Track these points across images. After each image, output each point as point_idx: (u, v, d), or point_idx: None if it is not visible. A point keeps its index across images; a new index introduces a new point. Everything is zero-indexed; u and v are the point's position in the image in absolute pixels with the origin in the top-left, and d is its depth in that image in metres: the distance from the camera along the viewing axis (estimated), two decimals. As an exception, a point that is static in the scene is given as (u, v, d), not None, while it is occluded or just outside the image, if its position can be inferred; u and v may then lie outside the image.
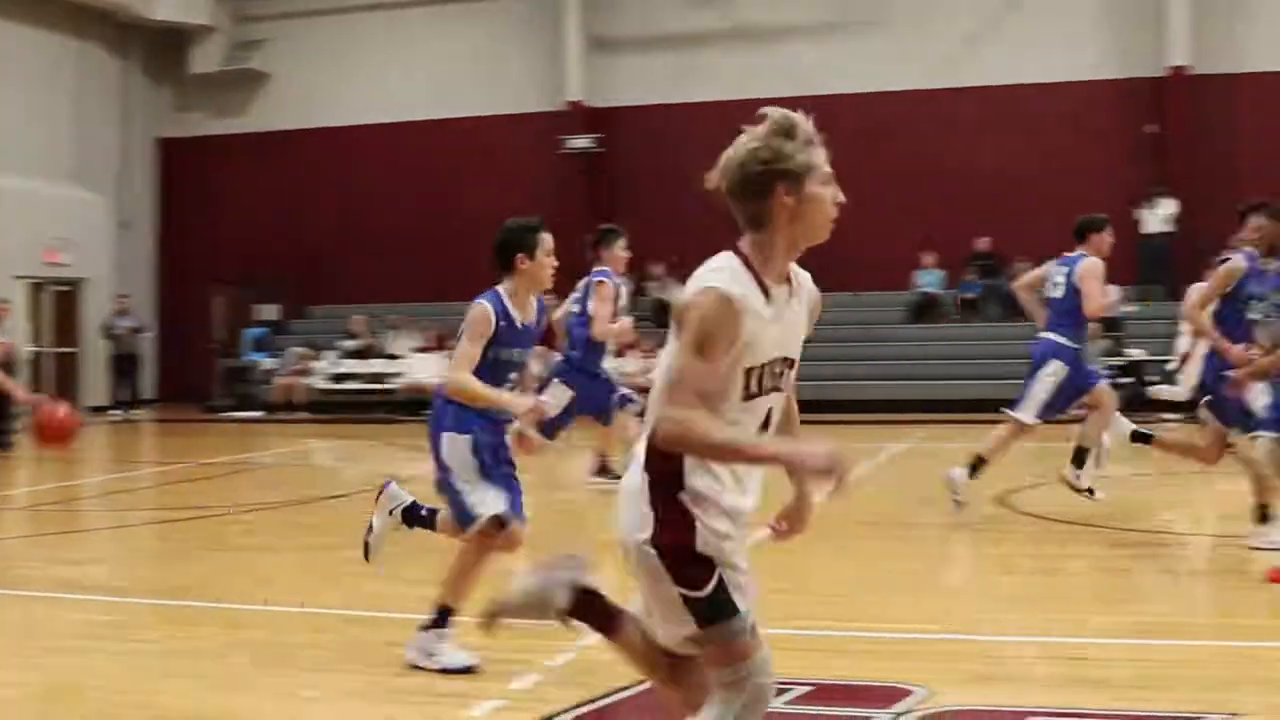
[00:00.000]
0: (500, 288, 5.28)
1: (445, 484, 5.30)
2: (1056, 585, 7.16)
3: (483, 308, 5.21)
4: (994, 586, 7.26)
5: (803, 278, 3.24)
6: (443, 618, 5.21)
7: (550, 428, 8.79)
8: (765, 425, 3.19)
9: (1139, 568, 7.58)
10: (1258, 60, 20.13)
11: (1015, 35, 20.57)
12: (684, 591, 3.11)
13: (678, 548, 3.12)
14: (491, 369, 5.22)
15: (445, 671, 5.14)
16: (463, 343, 5.22)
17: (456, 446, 5.25)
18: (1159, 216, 19.38)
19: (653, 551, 3.12)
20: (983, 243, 20.38)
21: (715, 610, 3.12)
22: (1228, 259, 7.68)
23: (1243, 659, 5.44)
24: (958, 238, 20.17)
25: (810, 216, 3.12)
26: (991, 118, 20.68)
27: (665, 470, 3.13)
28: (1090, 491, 8.68)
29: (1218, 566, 7.69)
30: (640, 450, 3.19)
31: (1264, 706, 4.69)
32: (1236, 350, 7.30)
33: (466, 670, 5.13)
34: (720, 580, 3.12)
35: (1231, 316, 7.44)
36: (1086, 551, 7.89)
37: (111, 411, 21.08)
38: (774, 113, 3.13)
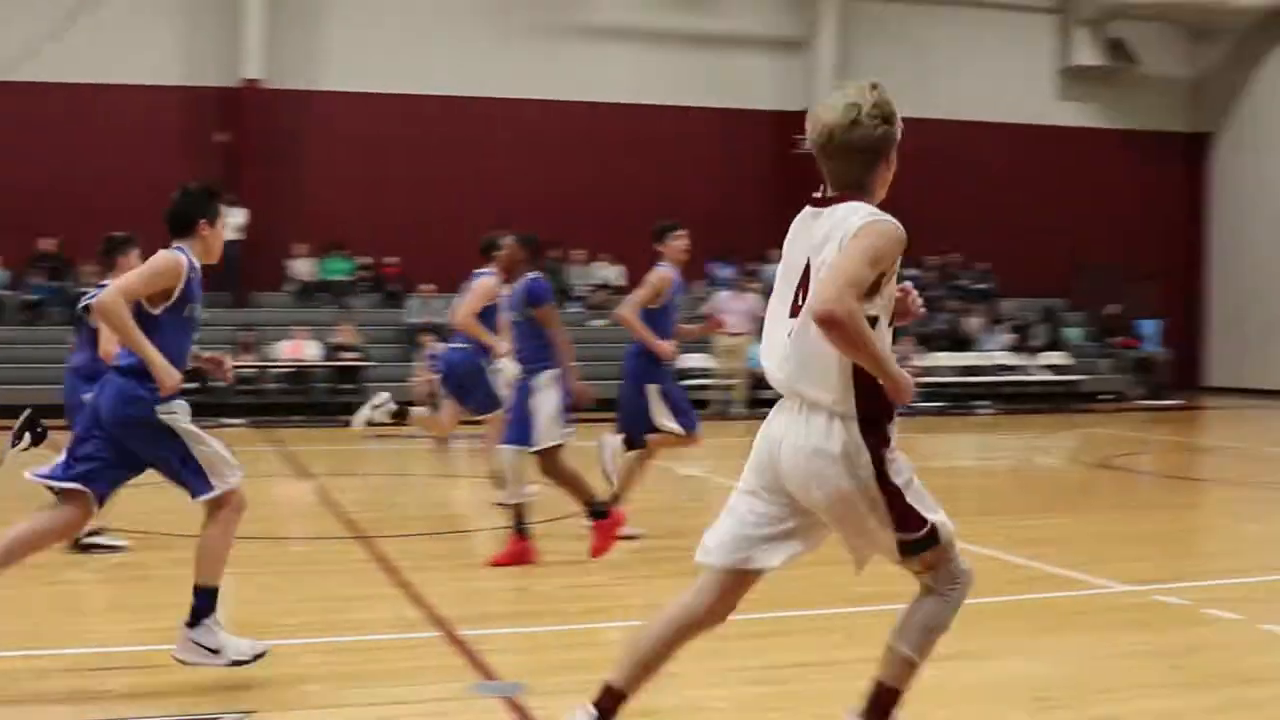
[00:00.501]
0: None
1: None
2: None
3: (175, 256, 4.89)
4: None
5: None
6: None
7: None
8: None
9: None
10: (328, 80, 21.29)
11: (92, 35, 19.90)
12: (901, 530, 3.63)
13: (894, 489, 3.61)
14: (183, 328, 4.92)
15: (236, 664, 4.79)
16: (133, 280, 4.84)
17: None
18: (229, 225, 19.60)
19: (877, 490, 3.59)
20: (48, 244, 19.37)
21: (933, 532, 3.66)
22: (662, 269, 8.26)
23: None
24: (22, 238, 19.06)
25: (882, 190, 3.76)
26: (68, 116, 19.87)
27: (874, 411, 3.58)
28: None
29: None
30: (838, 405, 3.57)
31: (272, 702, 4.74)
32: (665, 346, 8.10)
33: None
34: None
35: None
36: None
37: None
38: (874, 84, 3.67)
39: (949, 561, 3.74)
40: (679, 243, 8.29)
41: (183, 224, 5.01)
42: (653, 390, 8.13)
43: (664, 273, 8.22)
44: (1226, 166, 27.09)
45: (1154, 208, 26.38)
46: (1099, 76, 26.12)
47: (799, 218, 3.78)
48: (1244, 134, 26.63)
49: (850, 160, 3.67)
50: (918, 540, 3.66)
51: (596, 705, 3.79)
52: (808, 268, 3.64)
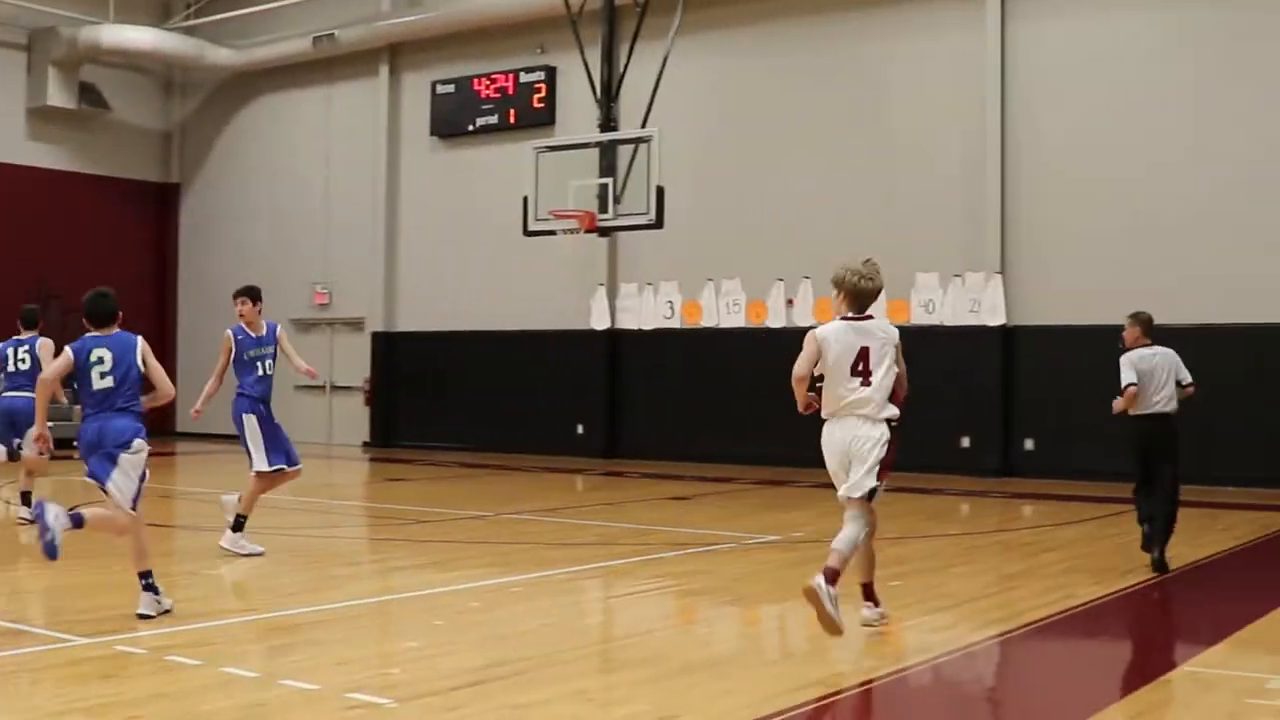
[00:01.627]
0: None
1: None
2: None
3: None
4: None
5: None
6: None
7: None
8: None
9: None
10: None
11: None
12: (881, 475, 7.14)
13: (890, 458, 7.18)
14: None
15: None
16: None
17: None
18: None
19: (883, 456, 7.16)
20: None
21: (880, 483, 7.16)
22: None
23: None
24: None
25: None
26: None
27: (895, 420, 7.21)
28: None
29: None
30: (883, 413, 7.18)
31: None
32: None
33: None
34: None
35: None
36: None
37: None
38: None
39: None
40: None
41: None
42: None
43: None
44: (195, 215, 28.01)
45: (127, 250, 26.52)
46: (71, 119, 25.73)
47: (845, 326, 7.18)
48: (210, 184, 27.77)
49: (871, 300, 7.27)
50: (877, 489, 7.14)
51: (862, 591, 7.51)
52: (864, 351, 7.12)
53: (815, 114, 20.15)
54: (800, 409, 7.28)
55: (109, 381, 7.44)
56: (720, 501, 15.28)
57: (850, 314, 7.18)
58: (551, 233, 17.23)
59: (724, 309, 20.88)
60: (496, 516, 13.62)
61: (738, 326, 20.70)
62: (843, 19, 20.04)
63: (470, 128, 23.67)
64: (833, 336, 7.12)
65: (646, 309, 21.59)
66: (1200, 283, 16.95)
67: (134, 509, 7.48)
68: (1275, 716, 5.55)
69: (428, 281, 24.45)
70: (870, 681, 6.20)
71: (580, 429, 21.84)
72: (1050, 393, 17.69)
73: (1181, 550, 10.73)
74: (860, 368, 7.09)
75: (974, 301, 18.60)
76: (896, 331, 7.28)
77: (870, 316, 7.24)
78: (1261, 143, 16.80)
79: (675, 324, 21.29)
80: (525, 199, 17.40)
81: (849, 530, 7.10)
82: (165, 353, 27.20)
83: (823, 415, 7.24)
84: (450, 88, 23.94)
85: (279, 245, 26.47)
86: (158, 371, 7.69)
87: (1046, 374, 17.81)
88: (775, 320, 20.32)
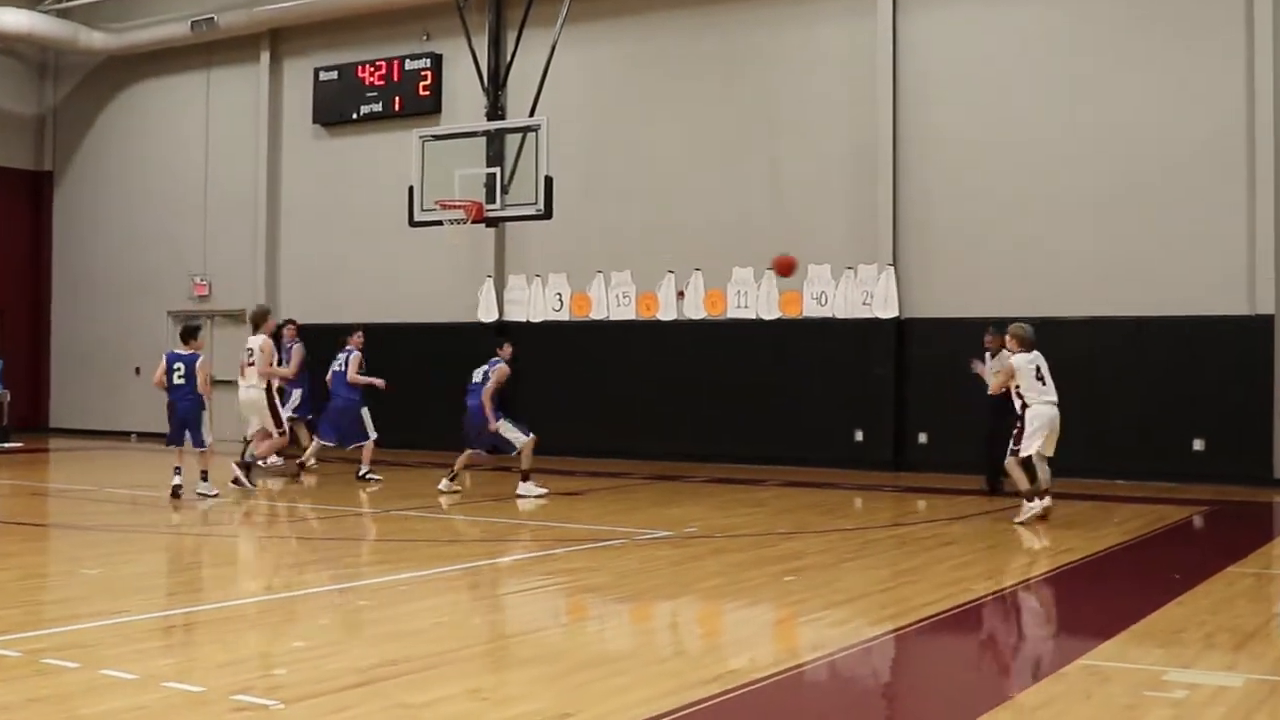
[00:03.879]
0: None
1: None
2: None
3: None
4: None
5: None
6: None
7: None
8: None
9: None
10: None
11: None
12: None
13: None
14: None
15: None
16: None
17: None
18: None
19: None
20: None
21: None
22: None
23: None
24: None
25: None
26: None
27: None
28: None
29: None
30: None
31: None
32: None
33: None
34: None
35: None
36: None
37: None
38: None
39: None
40: None
41: None
42: None
43: None
44: (69, 204, 27.17)
45: (-2, 244, 25.68)
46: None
47: (1035, 355, 12.37)
48: (86, 172, 26.95)
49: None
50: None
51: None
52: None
53: (706, 105, 20.15)
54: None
55: None
56: (611, 497, 15.19)
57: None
58: (438, 223, 16.97)
59: (614, 301, 20.79)
60: (384, 513, 13.39)
61: (628, 319, 20.62)
62: (733, 8, 20.05)
63: (354, 115, 23.27)
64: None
65: (535, 301, 21.42)
66: (1089, 275, 17.26)
67: None
68: (1172, 708, 5.59)
69: (311, 273, 24.00)
70: (765, 678, 6.14)
71: (468, 423, 21.61)
72: (943, 386, 17.88)
73: (1077, 544, 10.91)
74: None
75: (866, 294, 18.73)
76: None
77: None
78: (1150, 135, 17.12)
79: (564, 316, 21.15)
80: (410, 189, 17.12)
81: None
82: (39, 346, 26.36)
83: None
84: (333, 74, 23.51)
85: (157, 236, 25.78)
86: None
87: (939, 367, 17.99)
88: (666, 313, 20.28)
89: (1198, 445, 16.63)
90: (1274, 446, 16.32)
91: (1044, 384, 12.30)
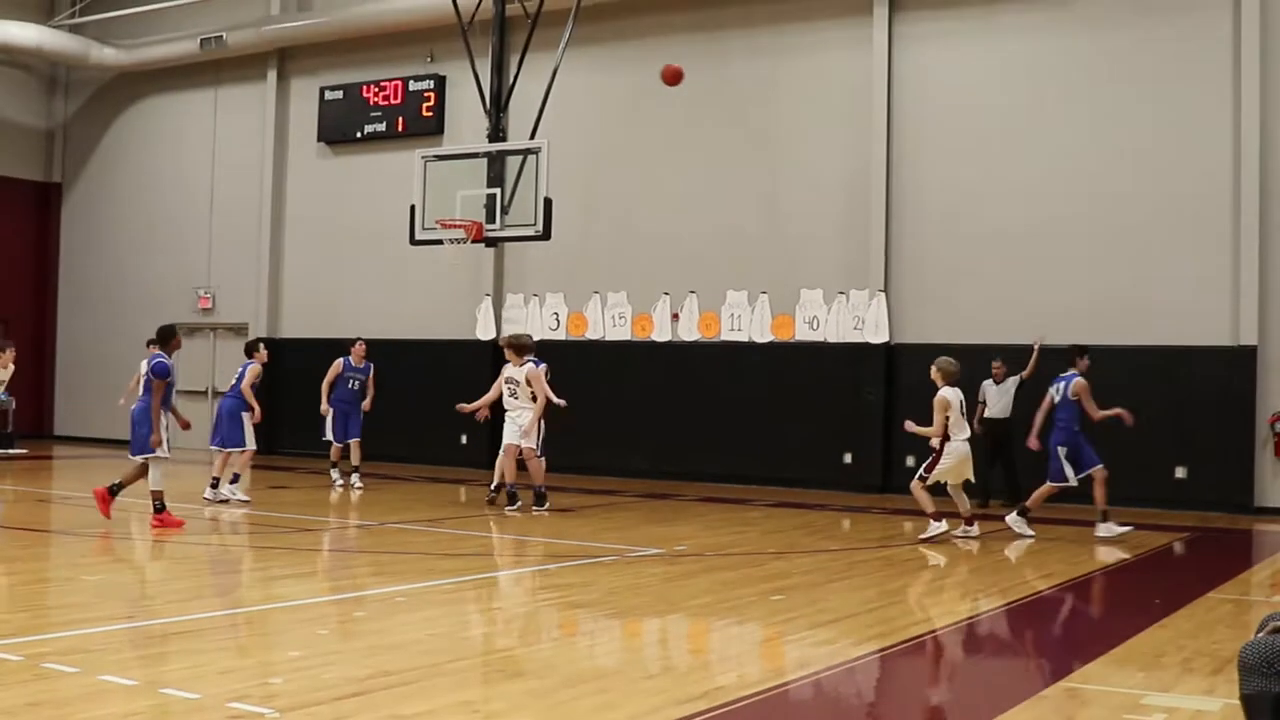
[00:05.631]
0: None
1: None
2: None
3: None
4: None
5: None
6: None
7: None
8: None
9: None
10: None
11: None
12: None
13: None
14: None
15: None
16: None
17: None
18: None
19: None
20: None
21: None
22: None
23: None
24: None
25: None
26: None
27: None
28: None
29: None
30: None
31: None
32: None
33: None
34: None
35: None
36: None
37: None
38: None
39: None
40: None
41: None
42: None
43: None
44: (77, 216, 27.40)
45: (5, 251, 25.84)
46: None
47: (958, 390, 13.28)
48: (93, 185, 27.18)
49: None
50: None
51: None
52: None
53: (703, 130, 20.38)
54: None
55: None
56: (603, 514, 15.36)
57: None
58: (438, 242, 17.19)
59: (609, 321, 20.99)
60: (381, 526, 13.56)
61: (623, 339, 20.82)
62: (732, 36, 20.30)
63: (358, 135, 23.50)
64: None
65: (532, 320, 21.61)
66: (1078, 306, 17.47)
67: None
68: (1150, 731, 5.74)
69: (312, 288, 24.20)
70: (752, 695, 6.30)
71: (465, 439, 21.76)
72: (931, 410, 17.97)
73: (1059, 568, 11.09)
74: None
75: (858, 319, 18.94)
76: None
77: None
78: (1138, 169, 17.37)
79: (560, 335, 21.34)
80: (412, 208, 17.34)
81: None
82: (44, 354, 26.54)
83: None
84: (339, 94, 23.75)
85: (162, 249, 26.00)
86: None
87: (928, 392, 18.11)
88: (661, 334, 20.48)
89: (1180, 473, 16.84)
90: (1255, 475, 16.52)
91: (964, 420, 13.15)
